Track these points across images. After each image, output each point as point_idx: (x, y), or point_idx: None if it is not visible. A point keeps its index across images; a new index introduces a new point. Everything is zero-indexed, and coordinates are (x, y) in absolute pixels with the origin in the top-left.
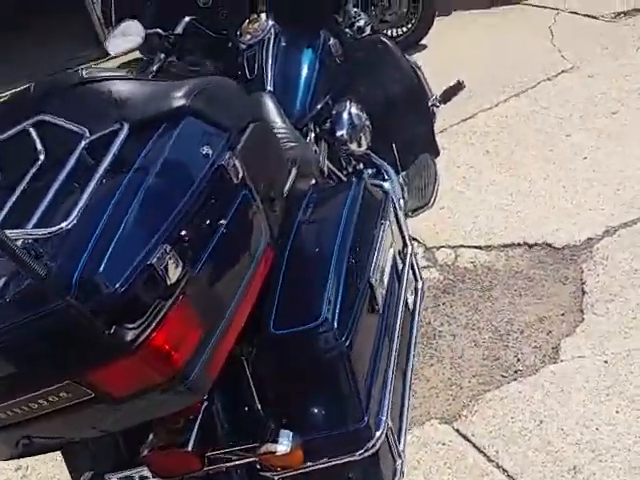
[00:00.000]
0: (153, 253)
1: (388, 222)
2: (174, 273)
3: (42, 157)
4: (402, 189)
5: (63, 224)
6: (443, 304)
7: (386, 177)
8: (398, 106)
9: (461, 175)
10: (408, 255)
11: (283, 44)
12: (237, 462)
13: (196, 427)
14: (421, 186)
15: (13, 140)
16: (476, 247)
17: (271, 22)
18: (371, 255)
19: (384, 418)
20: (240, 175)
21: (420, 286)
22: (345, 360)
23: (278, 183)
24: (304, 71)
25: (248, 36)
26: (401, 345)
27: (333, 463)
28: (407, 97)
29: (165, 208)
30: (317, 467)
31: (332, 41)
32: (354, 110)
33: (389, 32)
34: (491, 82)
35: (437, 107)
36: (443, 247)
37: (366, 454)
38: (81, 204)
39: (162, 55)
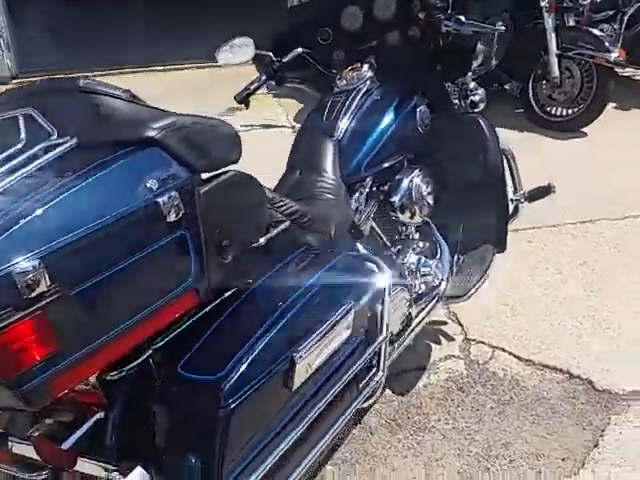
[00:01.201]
0: (22, 263)
1: (358, 305)
2: (34, 288)
3: (20, 145)
4: (450, 272)
5: None
6: (452, 400)
7: (437, 253)
8: (475, 190)
9: (544, 279)
10: (377, 342)
11: (372, 97)
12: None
13: (83, 429)
14: (468, 276)
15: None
16: (516, 356)
17: (370, 74)
18: (309, 333)
19: None
20: (179, 215)
21: (379, 378)
22: (221, 423)
23: (242, 232)
24: (379, 128)
25: (344, 81)
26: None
27: None
28: (486, 184)
29: (66, 224)
30: None
31: (422, 107)
32: (417, 181)
33: (554, 110)
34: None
35: (521, 203)
36: (483, 343)
37: None
38: None
39: (263, 77)
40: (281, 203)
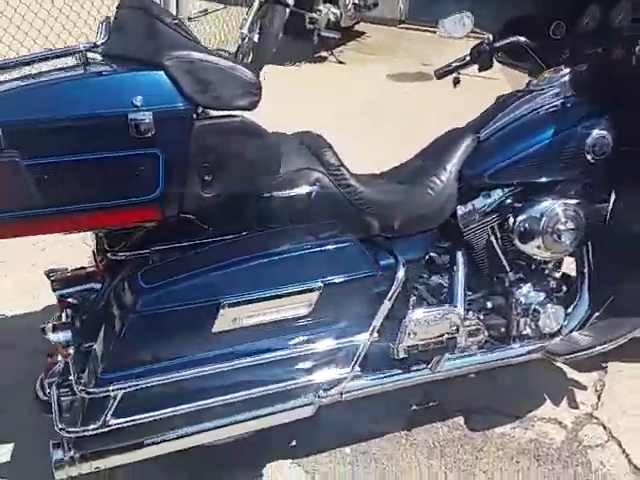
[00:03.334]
0: None
1: (330, 290)
2: None
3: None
4: (575, 328)
5: None
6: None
7: (572, 304)
8: None
9: None
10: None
11: (547, 104)
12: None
13: (77, 288)
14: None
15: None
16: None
17: (565, 79)
18: (251, 290)
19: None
20: (148, 134)
21: (342, 373)
22: (126, 324)
23: (233, 177)
24: (531, 137)
25: (536, 80)
26: None
27: None
28: None
29: (39, 106)
30: None
31: (600, 133)
32: (556, 210)
33: None
34: None
35: None
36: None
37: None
38: None
39: (468, 57)
40: (337, 173)
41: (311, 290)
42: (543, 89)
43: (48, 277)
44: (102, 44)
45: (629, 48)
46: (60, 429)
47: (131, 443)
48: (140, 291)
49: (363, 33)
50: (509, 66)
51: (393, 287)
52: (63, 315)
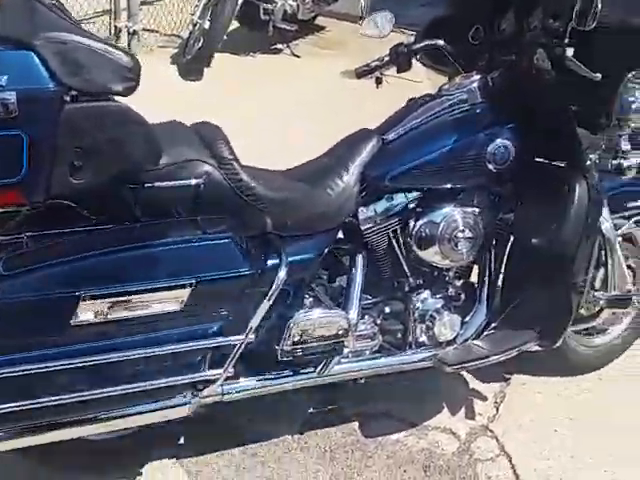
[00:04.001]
0: None
1: (202, 287)
2: None
3: None
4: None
5: None
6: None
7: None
8: (537, 264)
9: None
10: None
11: (454, 109)
12: None
13: None
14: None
15: None
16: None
17: (474, 85)
18: (116, 284)
19: None
20: (11, 115)
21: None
22: None
23: (105, 164)
24: (434, 142)
25: (447, 85)
26: None
27: None
28: (551, 261)
29: None
30: None
31: (503, 142)
32: (454, 218)
33: None
34: None
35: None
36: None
37: None
38: None
39: (387, 59)
40: (228, 166)
41: (182, 287)
42: (452, 94)
43: None
44: None
45: (531, 57)
46: None
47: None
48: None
49: (323, 28)
50: (431, 68)
51: (273, 287)
52: None
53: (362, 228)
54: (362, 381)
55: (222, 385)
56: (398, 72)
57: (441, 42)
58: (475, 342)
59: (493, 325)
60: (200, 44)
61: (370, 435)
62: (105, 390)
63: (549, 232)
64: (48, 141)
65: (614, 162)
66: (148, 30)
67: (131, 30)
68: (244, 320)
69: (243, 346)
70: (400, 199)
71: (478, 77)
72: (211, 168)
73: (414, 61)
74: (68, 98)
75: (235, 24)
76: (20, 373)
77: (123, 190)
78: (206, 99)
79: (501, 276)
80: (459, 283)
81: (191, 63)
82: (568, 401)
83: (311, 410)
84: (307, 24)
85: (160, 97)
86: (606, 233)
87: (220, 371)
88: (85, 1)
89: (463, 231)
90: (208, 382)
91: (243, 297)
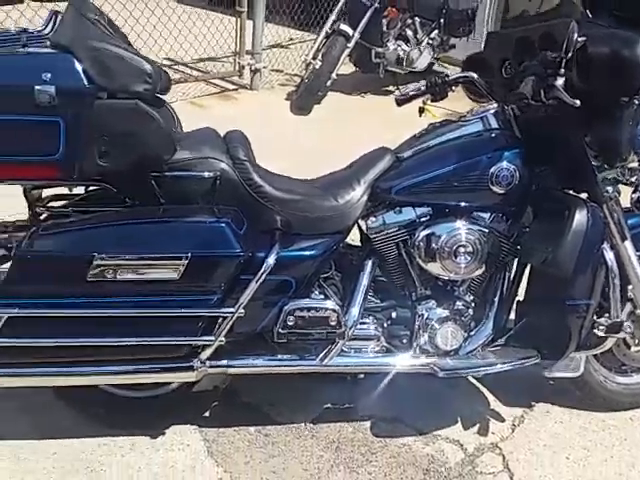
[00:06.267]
0: None
1: (197, 261)
2: None
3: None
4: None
5: None
6: None
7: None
8: (536, 284)
9: None
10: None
11: (467, 132)
12: None
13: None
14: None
15: None
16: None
17: (490, 112)
18: (125, 249)
19: None
20: (51, 104)
21: (207, 340)
22: (16, 261)
23: (126, 152)
24: (440, 161)
25: (467, 112)
26: None
27: None
28: (549, 283)
29: None
30: None
31: (506, 166)
32: (457, 233)
33: None
34: None
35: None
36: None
37: None
38: None
39: (423, 88)
40: (241, 166)
41: (179, 258)
42: (468, 120)
43: None
44: (44, 31)
45: (538, 90)
46: None
47: (16, 366)
48: (33, 235)
49: (439, 73)
50: (469, 98)
51: (261, 270)
52: None
53: (371, 236)
54: (362, 376)
55: (227, 359)
56: (432, 101)
57: (474, 75)
58: (474, 353)
59: (498, 342)
60: (310, 83)
61: (379, 435)
62: (110, 340)
63: (548, 254)
64: (80, 128)
65: (634, 196)
66: (274, 70)
67: (253, 68)
68: (236, 296)
69: (234, 318)
70: (408, 212)
71: (495, 105)
72: (226, 165)
73: None
74: (99, 95)
75: (351, 67)
76: (40, 314)
77: (147, 176)
78: (301, 128)
79: (509, 295)
80: (469, 298)
81: (301, 99)
82: (589, 434)
83: (328, 405)
84: (423, 71)
85: (265, 124)
86: (610, 263)
87: (212, 337)
88: (217, 44)
89: (464, 246)
90: (204, 347)
91: (235, 276)
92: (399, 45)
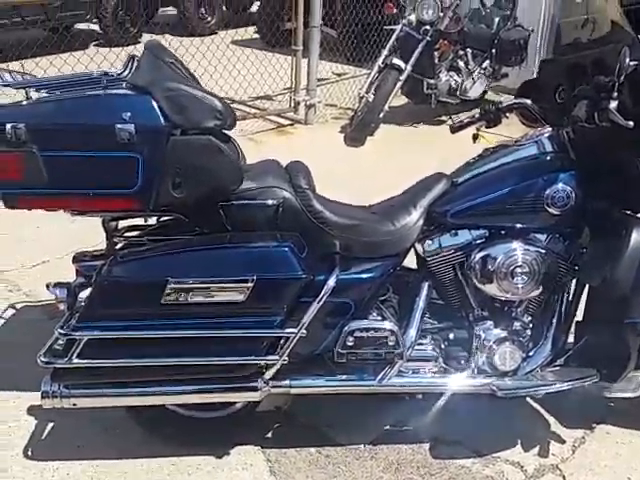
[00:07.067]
0: (14, 123)
1: (262, 284)
2: (19, 138)
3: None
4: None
5: None
6: None
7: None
8: (593, 305)
9: None
10: (284, 330)
11: (521, 156)
12: None
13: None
14: None
15: None
16: None
17: (543, 137)
18: (196, 275)
19: None
20: (130, 141)
21: (272, 358)
22: (98, 284)
23: (197, 184)
24: (496, 184)
25: (524, 136)
26: None
27: None
28: (605, 302)
29: (52, 113)
30: None
31: (562, 187)
32: (513, 254)
33: None
34: None
35: None
36: None
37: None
38: None
39: (477, 115)
40: (303, 194)
41: (245, 281)
42: (523, 144)
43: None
44: (123, 74)
45: (591, 114)
46: (38, 356)
47: (96, 387)
48: (112, 262)
49: (491, 102)
50: (524, 125)
51: (322, 292)
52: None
53: (427, 259)
54: (420, 397)
55: (289, 379)
56: (487, 127)
57: (528, 101)
58: (533, 374)
59: (557, 363)
60: (363, 115)
61: (438, 457)
62: (181, 360)
63: (606, 274)
64: (157, 163)
65: None
66: (328, 105)
67: (308, 103)
68: (298, 317)
69: (296, 339)
70: (464, 235)
71: (549, 129)
72: (288, 194)
73: None
74: (174, 132)
75: (404, 99)
76: (116, 336)
77: (216, 206)
78: (355, 158)
79: (568, 316)
80: (527, 319)
81: (355, 132)
82: None
83: (387, 427)
84: (475, 100)
85: (319, 156)
86: None
87: (276, 357)
88: (274, 82)
89: (521, 266)
90: (267, 367)
91: (298, 298)
92: (451, 76)
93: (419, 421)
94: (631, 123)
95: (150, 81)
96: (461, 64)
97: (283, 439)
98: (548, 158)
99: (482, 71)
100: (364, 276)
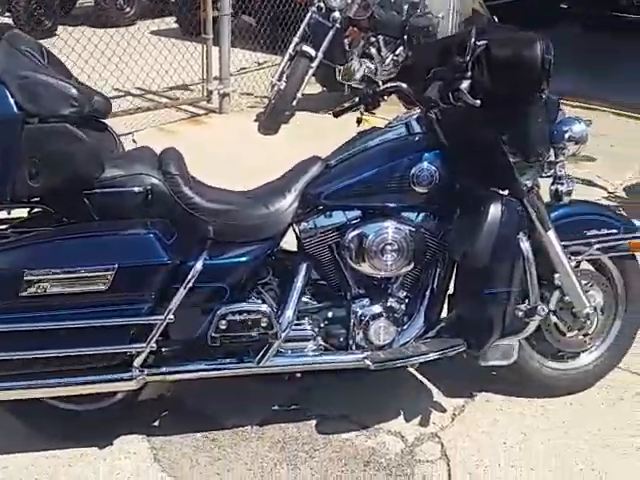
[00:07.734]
0: None
1: (124, 272)
2: None
3: None
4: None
5: None
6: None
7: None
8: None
9: None
10: (149, 317)
11: (390, 137)
12: None
13: None
14: None
15: None
16: None
17: (412, 118)
18: (54, 265)
19: None
20: None
21: (139, 346)
22: None
23: (56, 172)
24: (366, 166)
25: (394, 118)
26: None
27: None
28: (467, 273)
29: None
30: None
31: (426, 166)
32: (382, 232)
33: None
34: None
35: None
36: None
37: None
38: None
39: (357, 99)
40: (172, 180)
41: (105, 270)
42: (393, 126)
43: None
44: None
45: (445, 94)
46: None
47: None
48: None
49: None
50: (406, 108)
51: (188, 277)
52: None
53: (304, 240)
54: (299, 375)
55: (165, 366)
56: (366, 111)
57: (403, 85)
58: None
59: (430, 334)
60: (276, 103)
61: (323, 432)
62: (46, 352)
63: (466, 248)
64: (11, 153)
65: (552, 188)
66: (244, 93)
67: (221, 92)
68: (165, 304)
69: (163, 325)
70: (338, 215)
71: (418, 111)
72: (157, 180)
73: None
74: (30, 120)
75: (319, 87)
76: None
77: (80, 195)
78: (268, 145)
79: (440, 290)
80: (402, 294)
81: (268, 120)
82: (527, 420)
83: (275, 407)
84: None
85: (232, 145)
86: (525, 253)
87: (143, 345)
88: (192, 71)
89: (391, 244)
90: (136, 355)
91: (165, 284)
92: (363, 62)
93: (307, 399)
94: (478, 102)
95: (3, 70)
96: (373, 51)
97: (169, 426)
98: (415, 139)
99: (395, 57)
100: (238, 260)
